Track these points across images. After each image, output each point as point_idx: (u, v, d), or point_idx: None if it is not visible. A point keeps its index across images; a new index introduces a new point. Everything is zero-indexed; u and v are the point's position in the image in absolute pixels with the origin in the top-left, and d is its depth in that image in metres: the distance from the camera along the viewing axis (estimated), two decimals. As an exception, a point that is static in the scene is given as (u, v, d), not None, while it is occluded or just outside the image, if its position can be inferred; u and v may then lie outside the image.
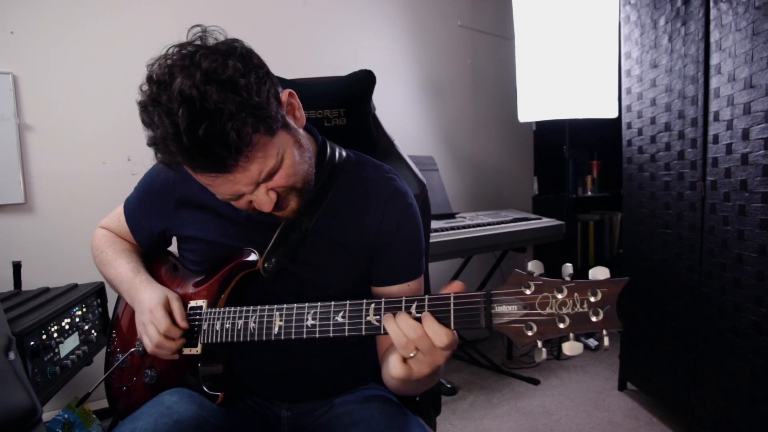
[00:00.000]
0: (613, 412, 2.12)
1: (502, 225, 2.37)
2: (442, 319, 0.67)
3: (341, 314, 0.75)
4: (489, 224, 2.34)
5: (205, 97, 0.65)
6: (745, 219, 1.47)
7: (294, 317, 0.78)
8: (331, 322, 0.75)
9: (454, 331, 0.67)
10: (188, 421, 0.77)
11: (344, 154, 0.97)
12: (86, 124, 1.95)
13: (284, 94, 0.79)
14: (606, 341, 0.61)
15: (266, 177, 0.76)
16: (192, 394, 0.85)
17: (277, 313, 0.80)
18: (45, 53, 1.86)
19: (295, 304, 0.79)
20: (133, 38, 2.01)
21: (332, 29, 2.61)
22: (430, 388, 0.92)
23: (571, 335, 0.62)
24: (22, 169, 1.83)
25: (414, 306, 0.69)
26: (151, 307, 0.86)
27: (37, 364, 1.17)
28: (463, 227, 2.24)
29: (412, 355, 0.68)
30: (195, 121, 0.65)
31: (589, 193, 3.29)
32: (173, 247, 1.06)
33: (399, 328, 0.68)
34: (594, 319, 0.60)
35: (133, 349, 0.94)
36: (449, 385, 2.39)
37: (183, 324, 0.86)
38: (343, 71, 1.20)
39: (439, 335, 0.66)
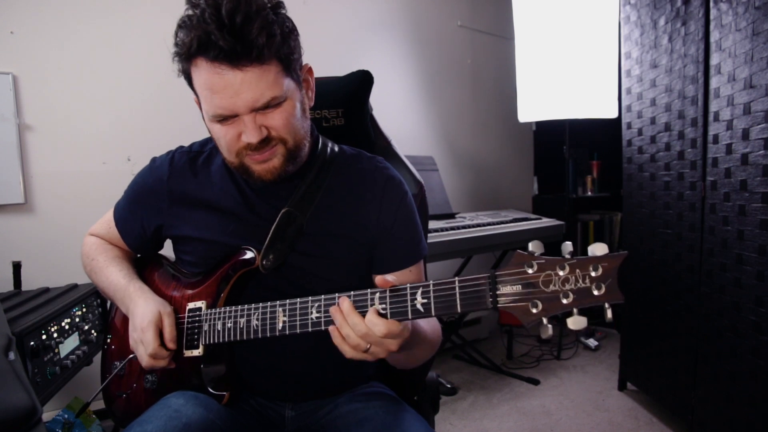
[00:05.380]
0: (613, 412, 2.12)
1: (502, 225, 2.37)
2: (449, 303, 0.69)
3: None
4: (489, 224, 2.34)
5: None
6: (745, 219, 1.47)
7: (298, 311, 0.78)
8: None
9: (398, 321, 0.71)
10: (196, 424, 0.77)
11: (336, 148, 0.98)
12: (86, 124, 1.95)
13: (305, 66, 0.86)
14: (609, 314, 0.62)
15: (264, 105, 0.77)
16: (198, 396, 0.84)
17: (280, 308, 0.80)
18: (45, 53, 1.86)
19: (299, 299, 0.79)
20: (133, 38, 2.02)
21: (332, 29, 2.61)
22: (419, 362, 0.92)
23: (575, 310, 0.63)
24: (22, 169, 1.83)
25: (419, 292, 0.71)
26: (143, 325, 0.85)
27: (37, 364, 1.17)
28: (463, 227, 2.24)
29: (367, 348, 0.72)
30: (238, 6, 0.72)
31: (589, 193, 3.29)
32: (168, 251, 1.04)
33: (348, 325, 0.72)
34: (596, 293, 0.62)
35: (132, 356, 0.92)
36: (449, 385, 2.39)
37: (171, 345, 0.86)
38: (343, 71, 1.20)
39: (377, 326, 0.69)
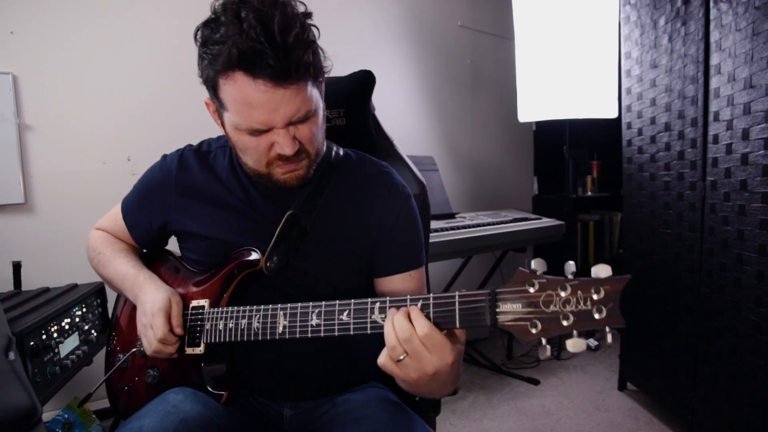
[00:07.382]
0: (613, 412, 2.12)
1: (502, 225, 2.37)
2: (448, 318, 0.68)
3: (346, 313, 0.75)
4: (489, 224, 2.34)
5: (295, 11, 0.74)
6: (745, 219, 1.47)
7: (299, 316, 0.79)
8: (336, 321, 0.75)
9: (443, 331, 0.68)
10: (194, 420, 0.78)
11: (341, 152, 0.99)
12: (86, 124, 1.95)
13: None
14: (609, 338, 0.61)
15: (299, 119, 0.78)
16: (196, 393, 0.85)
17: (281, 312, 0.80)
18: (45, 53, 1.86)
19: (299, 303, 0.79)
20: (133, 38, 2.01)
21: (332, 29, 2.61)
22: (434, 397, 0.89)
23: (575, 332, 0.62)
24: (22, 169, 1.83)
25: (419, 305, 0.70)
26: (153, 310, 0.86)
27: (37, 364, 1.17)
28: (463, 227, 2.24)
29: (401, 358, 0.68)
30: (288, 25, 0.71)
31: (589, 193, 3.29)
32: (174, 247, 1.05)
33: (392, 326, 0.69)
34: (597, 316, 0.61)
35: (134, 349, 0.94)
36: (449, 385, 2.39)
37: (178, 331, 0.87)
38: (343, 71, 1.20)
39: (422, 327, 0.67)
